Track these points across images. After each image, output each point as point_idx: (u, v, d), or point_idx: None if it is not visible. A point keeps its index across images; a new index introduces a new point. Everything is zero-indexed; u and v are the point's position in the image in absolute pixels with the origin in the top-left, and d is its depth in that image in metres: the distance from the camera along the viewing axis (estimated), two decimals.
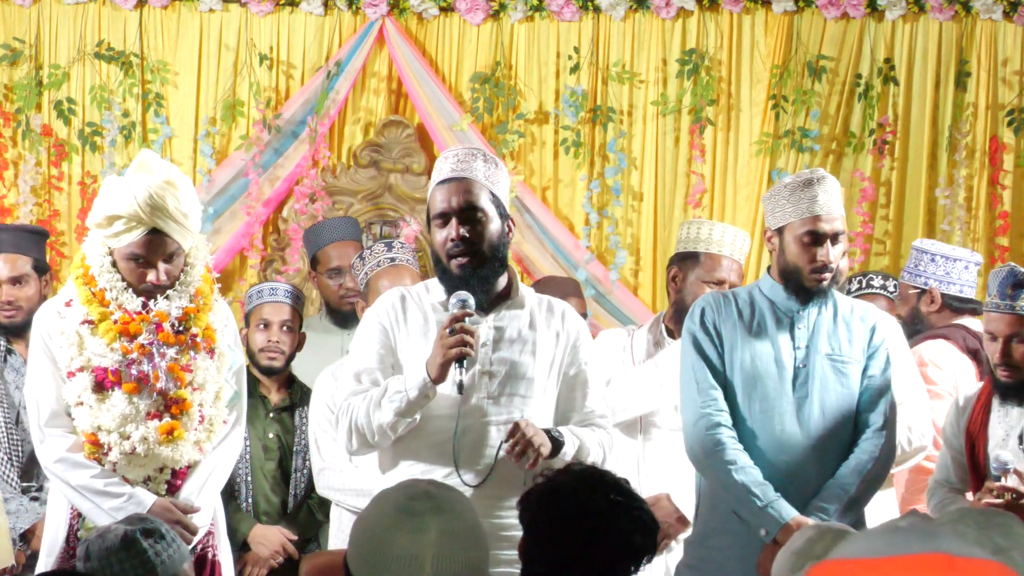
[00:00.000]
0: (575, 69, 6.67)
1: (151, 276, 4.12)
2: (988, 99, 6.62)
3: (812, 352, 4.26)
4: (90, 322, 4.14)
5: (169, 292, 4.18)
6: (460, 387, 3.78)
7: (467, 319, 3.80)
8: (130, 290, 4.16)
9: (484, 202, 3.94)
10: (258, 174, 6.55)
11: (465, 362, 3.78)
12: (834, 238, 4.23)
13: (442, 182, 3.97)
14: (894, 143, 6.65)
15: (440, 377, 3.77)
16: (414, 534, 2.35)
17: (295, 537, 5.18)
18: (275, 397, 5.24)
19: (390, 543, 2.35)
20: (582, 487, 2.91)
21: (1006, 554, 1.85)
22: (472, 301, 3.82)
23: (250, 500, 5.09)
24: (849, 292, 5.43)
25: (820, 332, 4.28)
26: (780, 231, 4.26)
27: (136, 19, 6.64)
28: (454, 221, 3.91)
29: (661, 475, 4.81)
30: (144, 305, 4.16)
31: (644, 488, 4.75)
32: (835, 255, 4.23)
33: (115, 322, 4.13)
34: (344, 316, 5.77)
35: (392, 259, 5.20)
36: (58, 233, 6.58)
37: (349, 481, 5.02)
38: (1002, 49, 6.64)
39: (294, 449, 5.23)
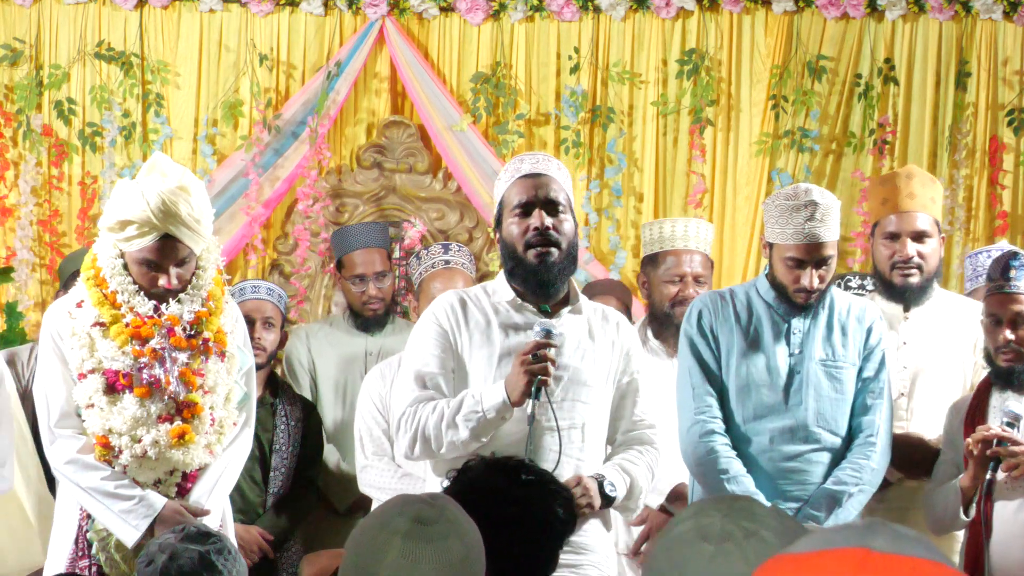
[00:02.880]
0: (575, 69, 6.68)
1: (162, 280, 4.11)
2: (988, 99, 6.64)
3: (806, 358, 4.28)
4: (101, 324, 4.13)
5: (181, 296, 4.17)
6: (531, 419, 3.75)
7: (550, 349, 3.78)
8: (141, 293, 4.15)
9: (563, 200, 3.94)
10: (258, 174, 6.54)
11: (543, 392, 3.76)
12: (820, 263, 4.24)
13: (523, 177, 3.94)
14: (894, 143, 6.66)
15: (520, 401, 3.75)
16: (406, 560, 2.32)
17: (271, 536, 5.17)
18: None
19: (380, 560, 2.33)
20: (493, 475, 2.90)
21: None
22: (555, 331, 3.79)
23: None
24: None
25: (815, 337, 4.30)
26: (771, 245, 4.30)
27: (136, 19, 6.63)
28: (538, 211, 3.88)
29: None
30: (156, 308, 4.16)
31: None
32: (823, 278, 4.25)
33: (127, 325, 4.12)
34: (366, 321, 5.76)
35: (447, 261, 5.19)
36: (59, 234, 6.57)
37: (391, 479, 5.01)
38: (1002, 49, 6.65)
39: (273, 447, 5.20)
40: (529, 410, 3.75)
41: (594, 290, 5.64)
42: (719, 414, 4.26)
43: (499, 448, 3.74)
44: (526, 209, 3.89)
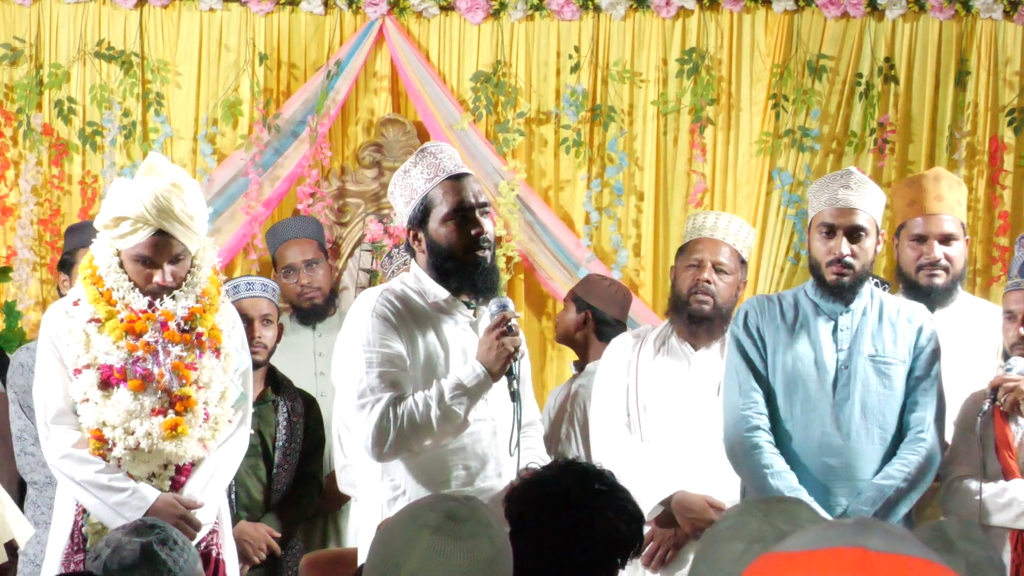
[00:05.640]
0: (575, 68, 6.67)
1: (157, 277, 4.16)
2: (988, 99, 6.63)
3: (854, 353, 4.27)
4: (97, 320, 4.19)
5: (175, 292, 4.22)
6: (514, 395, 3.83)
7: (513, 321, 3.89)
8: (136, 290, 4.20)
9: (485, 197, 4.05)
10: (258, 174, 6.54)
11: (514, 368, 3.84)
12: (854, 233, 4.24)
13: (451, 179, 3.98)
14: (895, 142, 6.65)
15: (500, 375, 3.83)
16: (434, 553, 2.33)
17: (279, 534, 5.16)
18: (255, 390, 5.21)
19: (409, 553, 2.33)
20: (567, 479, 2.93)
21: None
22: (512, 306, 3.88)
23: (232, 495, 5.00)
24: None
25: (864, 333, 4.28)
26: (810, 227, 4.33)
27: (136, 18, 6.63)
28: (480, 218, 3.96)
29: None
30: (150, 304, 4.20)
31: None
32: (858, 249, 4.24)
33: (121, 320, 4.17)
34: (306, 313, 5.78)
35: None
36: (60, 234, 6.56)
37: None
38: (1002, 49, 6.64)
39: (276, 443, 5.20)
40: (510, 388, 3.83)
41: (593, 296, 5.60)
42: (764, 410, 4.27)
43: (451, 446, 3.82)
44: (466, 215, 3.95)
